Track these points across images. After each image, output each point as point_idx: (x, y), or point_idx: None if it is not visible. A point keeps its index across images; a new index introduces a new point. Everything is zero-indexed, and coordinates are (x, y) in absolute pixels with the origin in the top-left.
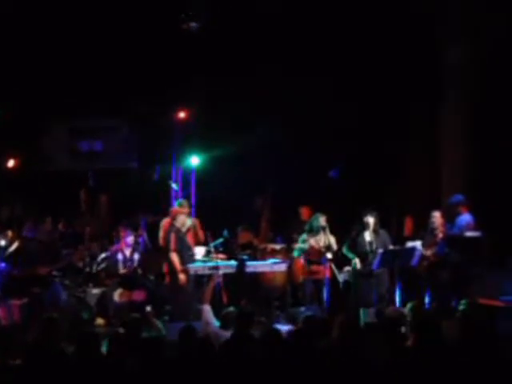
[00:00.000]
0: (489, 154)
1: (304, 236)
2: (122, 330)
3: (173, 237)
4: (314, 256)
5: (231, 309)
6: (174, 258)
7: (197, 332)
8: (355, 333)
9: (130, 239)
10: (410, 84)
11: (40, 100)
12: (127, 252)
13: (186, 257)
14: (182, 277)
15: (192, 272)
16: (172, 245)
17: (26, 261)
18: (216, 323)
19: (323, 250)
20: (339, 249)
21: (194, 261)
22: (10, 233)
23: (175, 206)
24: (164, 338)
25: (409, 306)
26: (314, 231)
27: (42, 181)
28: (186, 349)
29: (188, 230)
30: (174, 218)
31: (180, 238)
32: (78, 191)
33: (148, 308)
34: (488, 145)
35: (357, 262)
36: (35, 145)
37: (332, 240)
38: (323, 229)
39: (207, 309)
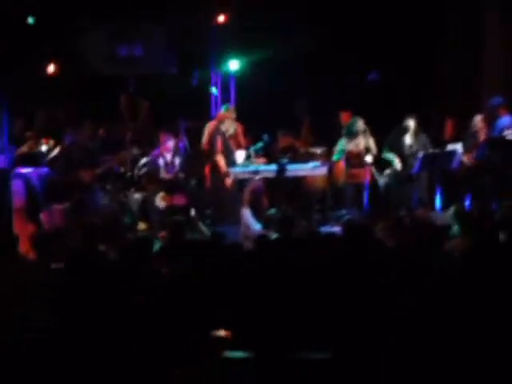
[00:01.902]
0: None
1: (343, 140)
2: (165, 234)
3: (219, 139)
4: (354, 159)
5: (273, 211)
6: (220, 160)
7: (225, 237)
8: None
9: (171, 144)
10: None
11: (79, 3)
12: (168, 157)
13: (230, 160)
14: (228, 180)
15: (233, 176)
16: (218, 147)
17: (67, 166)
18: (257, 226)
19: (363, 153)
20: (379, 152)
21: (235, 165)
22: (52, 140)
23: (223, 110)
24: (207, 240)
25: (452, 209)
26: (352, 135)
27: (80, 86)
28: (215, 254)
29: (232, 134)
30: (220, 122)
31: (225, 141)
32: (117, 96)
33: (192, 211)
34: None
35: (397, 161)
36: (74, 49)
37: (372, 143)
38: (363, 132)
39: (247, 212)
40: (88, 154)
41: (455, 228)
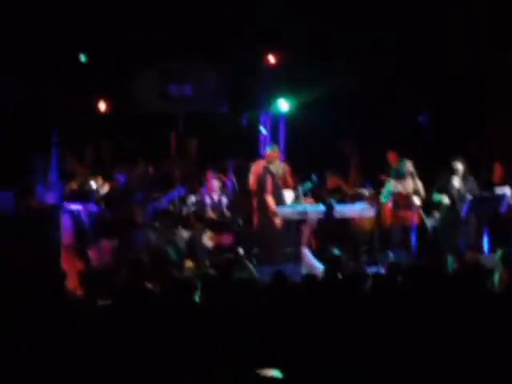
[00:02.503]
0: None
1: (391, 181)
2: (213, 272)
3: (269, 180)
4: (402, 201)
5: (336, 251)
6: (270, 200)
7: (288, 277)
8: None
9: (217, 183)
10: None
11: (131, 43)
12: (215, 196)
13: (279, 200)
14: (277, 220)
15: (281, 216)
16: (269, 188)
17: (117, 203)
18: (321, 265)
19: (411, 195)
20: (427, 195)
21: (283, 205)
22: (100, 178)
23: (268, 151)
24: (256, 280)
25: (499, 253)
26: (401, 177)
27: (131, 124)
28: (279, 293)
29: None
30: (269, 162)
31: (275, 181)
32: (168, 134)
33: (240, 250)
34: None
35: (446, 200)
36: (126, 88)
37: (420, 185)
38: (411, 174)
39: (307, 252)
40: (139, 193)
41: (497, 273)
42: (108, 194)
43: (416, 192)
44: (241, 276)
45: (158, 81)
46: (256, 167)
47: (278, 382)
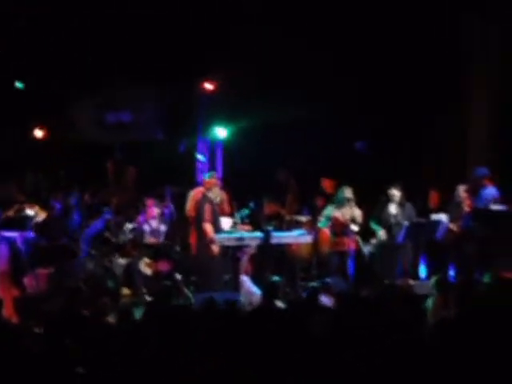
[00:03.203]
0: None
1: (330, 207)
2: (151, 299)
3: (208, 208)
4: (339, 228)
5: (276, 278)
6: (208, 228)
7: (218, 303)
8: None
9: (156, 210)
10: (435, 58)
11: (67, 71)
12: (153, 223)
13: (216, 227)
14: (214, 247)
15: (218, 243)
16: (207, 215)
17: (53, 231)
18: (259, 292)
19: (348, 222)
20: (365, 222)
21: (220, 232)
22: (36, 205)
23: (207, 178)
24: (192, 306)
25: (433, 279)
26: (339, 203)
27: (69, 151)
28: (209, 319)
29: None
30: (208, 189)
31: (214, 209)
32: (105, 162)
33: (178, 276)
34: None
35: (382, 234)
36: (63, 116)
37: (357, 213)
38: (348, 201)
39: (247, 279)
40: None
41: (431, 299)
42: (44, 222)
43: (353, 219)
44: (177, 303)
45: (95, 108)
46: (194, 194)
47: None
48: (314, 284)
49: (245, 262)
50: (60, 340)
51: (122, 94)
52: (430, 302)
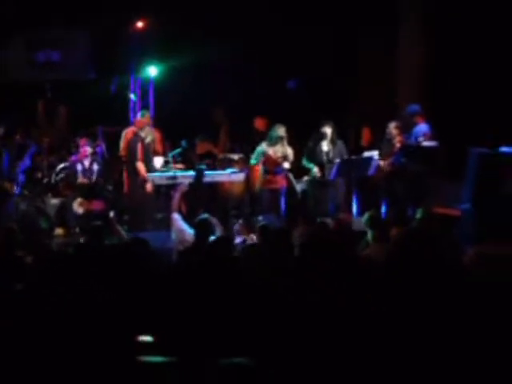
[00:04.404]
0: (445, 62)
1: (263, 144)
2: (84, 239)
3: (140, 147)
4: (271, 166)
5: (206, 216)
6: (141, 167)
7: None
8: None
9: (88, 150)
10: None
11: None
12: (86, 162)
13: (149, 167)
14: (148, 186)
15: (151, 182)
16: (139, 154)
17: None
18: (191, 230)
19: (280, 160)
20: (297, 160)
21: (153, 171)
22: None
23: (139, 117)
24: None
25: (366, 216)
26: (272, 141)
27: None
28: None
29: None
30: (140, 128)
31: (146, 147)
32: (35, 102)
33: (111, 214)
34: (444, 52)
35: (316, 170)
36: None
37: (289, 151)
38: (281, 139)
39: (178, 217)
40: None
41: (369, 234)
42: None
43: (285, 157)
44: (111, 241)
45: (24, 48)
46: (127, 133)
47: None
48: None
49: (176, 199)
50: None
51: (52, 32)
52: (368, 238)
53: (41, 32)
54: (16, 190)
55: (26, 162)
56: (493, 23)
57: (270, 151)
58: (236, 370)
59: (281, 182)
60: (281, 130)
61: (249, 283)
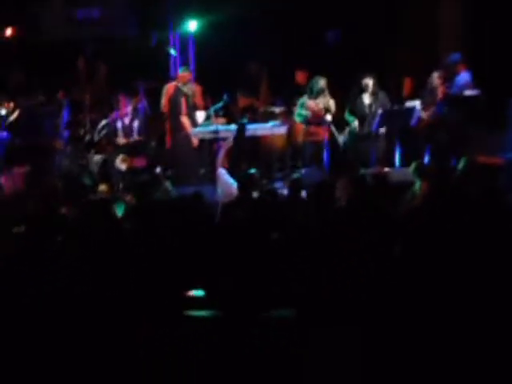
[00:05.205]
0: (486, 13)
1: (303, 99)
2: (129, 195)
3: (183, 101)
4: (313, 118)
5: (252, 171)
6: (185, 121)
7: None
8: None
9: (128, 107)
10: None
11: None
12: (126, 120)
13: (192, 122)
14: (194, 140)
15: (194, 136)
16: (183, 109)
17: (28, 130)
18: (235, 183)
19: (322, 112)
20: (339, 112)
21: (196, 125)
22: (9, 104)
23: (180, 72)
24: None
25: (413, 165)
26: (313, 94)
27: (39, 49)
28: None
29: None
30: (182, 83)
31: (189, 102)
32: (75, 60)
33: (158, 169)
34: (485, 4)
35: (356, 124)
36: (31, 13)
37: (331, 102)
38: (322, 91)
39: (224, 172)
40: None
41: (417, 184)
42: (17, 120)
43: (327, 109)
44: (159, 197)
45: (63, 5)
46: (168, 89)
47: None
48: (295, 175)
49: (221, 154)
50: (41, 240)
51: None
52: (416, 187)
53: None
54: (63, 146)
55: (65, 117)
56: None
57: (312, 103)
58: (278, 322)
59: (323, 135)
60: (322, 82)
61: (291, 237)
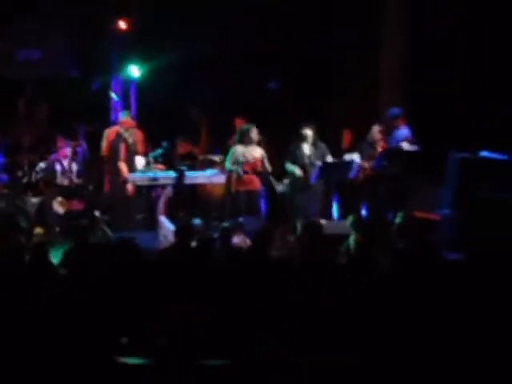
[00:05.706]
0: (426, 67)
1: (233, 148)
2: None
3: (123, 147)
4: (247, 167)
5: (197, 221)
6: (123, 167)
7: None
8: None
9: (67, 150)
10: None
11: None
12: (65, 162)
13: (131, 167)
14: (129, 187)
15: (132, 182)
16: (122, 155)
17: None
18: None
19: (256, 160)
20: (278, 161)
21: (135, 171)
22: None
23: (123, 117)
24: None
25: (350, 218)
26: (244, 142)
27: None
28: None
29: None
30: (125, 129)
31: (129, 148)
32: (16, 100)
33: (97, 213)
34: (425, 58)
35: (300, 172)
36: None
37: (262, 152)
38: (256, 140)
39: (165, 219)
40: None
41: (352, 237)
42: None
43: (263, 158)
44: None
45: (4, 45)
46: (110, 133)
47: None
48: (225, 224)
49: (162, 203)
50: None
51: (33, 30)
52: (351, 241)
53: (20, 30)
54: None
55: (0, 159)
56: (471, 30)
57: (245, 152)
58: (213, 371)
59: (256, 183)
60: (253, 131)
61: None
